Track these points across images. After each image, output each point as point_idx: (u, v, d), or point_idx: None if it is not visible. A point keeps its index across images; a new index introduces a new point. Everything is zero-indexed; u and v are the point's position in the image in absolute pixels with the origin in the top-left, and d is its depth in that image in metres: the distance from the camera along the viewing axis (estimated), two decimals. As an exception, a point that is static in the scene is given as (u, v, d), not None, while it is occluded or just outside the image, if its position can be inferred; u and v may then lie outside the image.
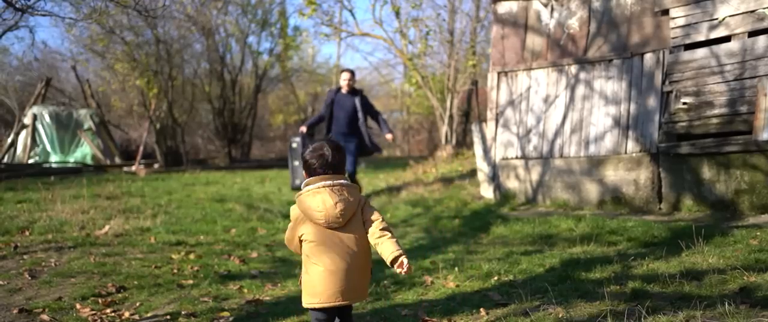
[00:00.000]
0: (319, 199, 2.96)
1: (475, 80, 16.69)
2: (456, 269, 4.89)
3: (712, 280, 4.02)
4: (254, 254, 6.03)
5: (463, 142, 16.15)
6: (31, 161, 15.89)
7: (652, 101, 7.36)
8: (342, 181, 3.03)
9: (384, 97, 29.82)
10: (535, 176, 8.32)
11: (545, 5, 8.35)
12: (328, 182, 3.00)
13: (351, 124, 8.95)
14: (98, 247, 6.05)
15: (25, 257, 5.58)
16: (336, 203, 2.94)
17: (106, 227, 6.79)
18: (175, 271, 5.31)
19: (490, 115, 8.94)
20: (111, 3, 6.35)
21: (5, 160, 16.04)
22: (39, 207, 7.91)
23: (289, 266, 5.53)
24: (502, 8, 8.80)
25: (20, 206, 7.99)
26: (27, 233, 6.49)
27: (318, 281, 2.97)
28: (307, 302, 3.02)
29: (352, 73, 9.23)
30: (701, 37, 6.99)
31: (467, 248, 5.89)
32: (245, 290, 4.79)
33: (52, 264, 5.33)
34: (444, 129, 15.27)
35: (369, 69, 32.02)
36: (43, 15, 5.99)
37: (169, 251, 6.06)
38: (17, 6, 4.63)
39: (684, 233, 5.56)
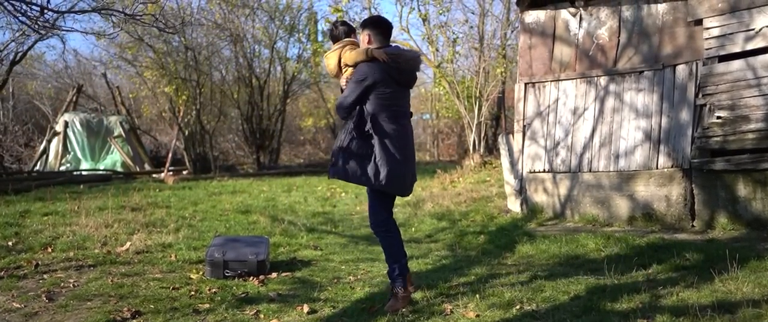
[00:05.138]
0: None
1: (504, 87, 16.46)
2: (477, 296, 4.73)
3: (746, 314, 3.84)
4: (273, 275, 5.94)
5: (492, 148, 15.93)
6: (62, 168, 16.09)
7: (685, 115, 7.11)
8: None
9: (413, 100, 29.66)
10: (563, 190, 8.11)
11: (574, 15, 8.13)
12: None
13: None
14: (118, 265, 6.02)
15: (45, 276, 5.57)
16: None
17: (128, 244, 6.78)
18: (193, 293, 5.24)
19: (517, 127, 8.75)
20: (135, 20, 6.33)
21: (37, 167, 16.28)
22: (64, 220, 7.95)
23: (308, 288, 5.42)
24: (529, 17, 8.60)
25: (46, 219, 8.06)
26: (49, 249, 6.50)
27: None
28: None
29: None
30: (737, 49, 6.73)
31: (490, 271, 5.72)
32: (262, 316, 4.69)
33: (71, 285, 5.31)
34: (472, 137, 15.06)
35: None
36: (67, 31, 5.98)
37: (189, 269, 6.01)
38: (34, 28, 4.61)
39: (717, 255, 5.34)
